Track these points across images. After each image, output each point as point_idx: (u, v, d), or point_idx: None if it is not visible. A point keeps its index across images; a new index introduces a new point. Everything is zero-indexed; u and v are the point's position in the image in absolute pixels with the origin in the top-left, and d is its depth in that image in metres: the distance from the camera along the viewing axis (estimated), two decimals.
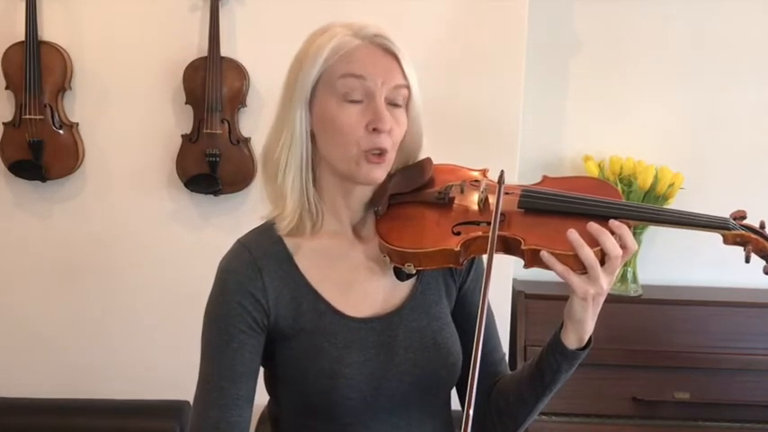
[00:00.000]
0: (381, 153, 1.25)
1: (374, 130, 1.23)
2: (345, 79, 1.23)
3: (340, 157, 1.25)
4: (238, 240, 1.33)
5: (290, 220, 1.28)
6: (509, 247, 1.24)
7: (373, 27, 1.26)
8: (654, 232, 2.70)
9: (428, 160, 1.35)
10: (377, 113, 1.23)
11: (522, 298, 2.58)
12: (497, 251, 1.23)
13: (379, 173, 1.26)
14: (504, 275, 2.56)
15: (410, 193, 1.32)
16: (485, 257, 1.22)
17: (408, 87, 1.27)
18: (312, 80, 1.25)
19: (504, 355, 1.46)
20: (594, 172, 2.66)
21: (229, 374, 1.26)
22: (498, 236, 1.22)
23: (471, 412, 1.10)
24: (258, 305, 1.27)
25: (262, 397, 1.40)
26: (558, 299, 2.39)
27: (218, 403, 1.25)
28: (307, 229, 1.30)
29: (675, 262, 2.82)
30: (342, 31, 1.25)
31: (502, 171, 1.28)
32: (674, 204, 2.63)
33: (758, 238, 1.23)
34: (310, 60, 1.24)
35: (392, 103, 1.26)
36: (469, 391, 1.11)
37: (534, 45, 2.60)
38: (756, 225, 1.24)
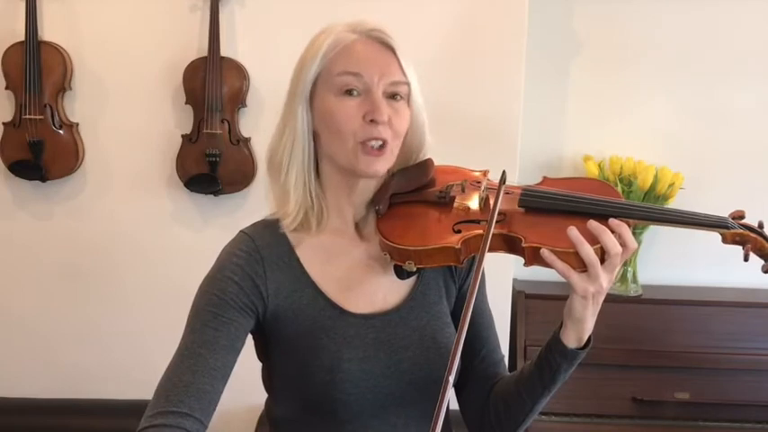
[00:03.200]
0: (382, 146, 1.26)
1: (371, 121, 1.24)
2: (343, 77, 1.25)
3: (339, 150, 1.26)
4: (242, 230, 1.34)
5: (293, 217, 1.30)
6: (510, 245, 1.24)
7: (371, 22, 1.28)
8: (654, 232, 2.70)
9: (430, 161, 1.36)
10: (374, 104, 1.24)
11: (522, 298, 2.58)
12: (499, 250, 1.24)
13: (380, 165, 1.27)
14: (504, 275, 2.56)
15: (411, 192, 1.32)
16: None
17: (407, 84, 1.28)
18: (312, 78, 1.27)
19: (503, 357, 1.46)
20: (594, 172, 2.66)
21: (210, 345, 1.23)
22: (499, 234, 1.23)
23: (451, 379, 1.11)
24: (256, 290, 1.27)
25: (260, 397, 1.41)
26: (558, 299, 2.39)
27: (192, 369, 1.21)
28: (312, 227, 1.31)
29: (675, 262, 2.82)
30: (340, 28, 1.28)
31: (504, 171, 1.29)
32: (674, 204, 2.63)
33: (757, 237, 1.24)
34: (310, 59, 1.27)
35: (391, 97, 1.27)
36: (451, 359, 1.12)
37: (534, 45, 2.60)
38: (755, 224, 1.25)
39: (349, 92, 1.25)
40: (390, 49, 1.28)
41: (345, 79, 1.25)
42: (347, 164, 1.27)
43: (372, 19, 1.29)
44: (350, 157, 1.26)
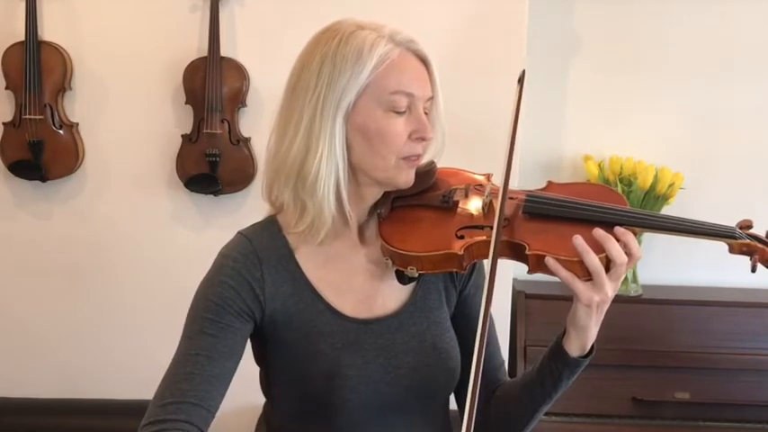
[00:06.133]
0: (417, 158, 1.27)
1: (418, 138, 1.24)
2: (396, 95, 1.22)
3: (378, 165, 1.24)
4: (240, 232, 1.32)
5: (302, 228, 1.26)
6: (513, 252, 1.23)
7: (404, 32, 1.26)
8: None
9: (433, 164, 1.34)
10: (421, 123, 1.24)
11: (523, 298, 2.57)
12: (503, 256, 1.22)
13: (413, 175, 1.28)
14: (504, 276, 2.55)
15: (413, 196, 1.31)
16: (485, 262, 1.21)
17: (432, 97, 1.28)
18: (357, 92, 1.21)
19: (504, 361, 1.44)
20: (594, 172, 2.65)
21: (208, 351, 1.22)
22: (502, 240, 1.21)
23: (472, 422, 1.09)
24: (253, 294, 1.26)
25: (261, 398, 1.40)
26: (558, 299, 2.39)
27: (189, 376, 1.20)
28: (319, 238, 1.27)
29: (675, 262, 2.82)
30: (375, 36, 1.23)
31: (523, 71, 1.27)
32: (675, 204, 2.64)
33: (765, 247, 1.21)
34: (351, 70, 1.21)
35: (425, 112, 1.27)
36: (471, 401, 1.09)
37: (534, 45, 2.60)
38: (762, 235, 1.23)
39: (398, 110, 1.23)
40: (424, 62, 1.27)
41: (398, 98, 1.22)
42: (385, 177, 1.26)
43: (392, 25, 1.27)
44: (390, 171, 1.24)
